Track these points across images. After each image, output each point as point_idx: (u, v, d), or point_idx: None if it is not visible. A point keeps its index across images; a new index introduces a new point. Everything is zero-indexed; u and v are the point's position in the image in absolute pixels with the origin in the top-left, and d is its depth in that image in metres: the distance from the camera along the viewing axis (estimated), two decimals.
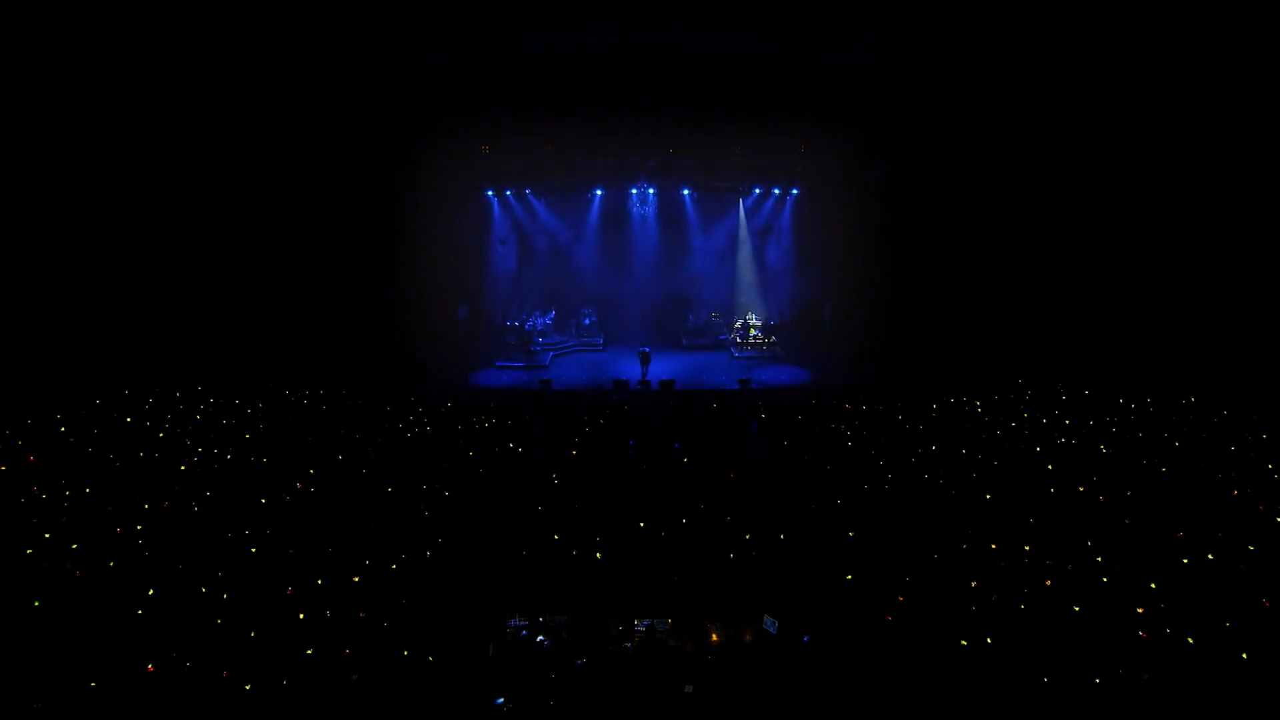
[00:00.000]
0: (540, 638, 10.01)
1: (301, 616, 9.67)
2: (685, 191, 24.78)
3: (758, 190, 24.74)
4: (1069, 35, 17.03)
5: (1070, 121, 18.74)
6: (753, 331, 24.13)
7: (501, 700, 8.93)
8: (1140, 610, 9.52)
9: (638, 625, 10.18)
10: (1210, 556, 10.47)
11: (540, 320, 24.51)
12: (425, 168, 22.04)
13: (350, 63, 18.72)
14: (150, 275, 19.60)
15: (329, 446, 14.97)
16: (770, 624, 9.99)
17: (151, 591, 10.01)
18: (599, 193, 24.62)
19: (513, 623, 10.15)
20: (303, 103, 19.02)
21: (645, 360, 21.43)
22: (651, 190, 24.77)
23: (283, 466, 13.96)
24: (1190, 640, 8.90)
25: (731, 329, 24.82)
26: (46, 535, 11.36)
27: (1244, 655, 8.63)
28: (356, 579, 10.52)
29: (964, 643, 9.12)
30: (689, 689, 9.13)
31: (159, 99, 18.27)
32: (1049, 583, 10.18)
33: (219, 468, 13.88)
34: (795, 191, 24.65)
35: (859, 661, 9.26)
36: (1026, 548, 10.92)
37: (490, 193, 24.51)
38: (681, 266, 25.85)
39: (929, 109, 19.65)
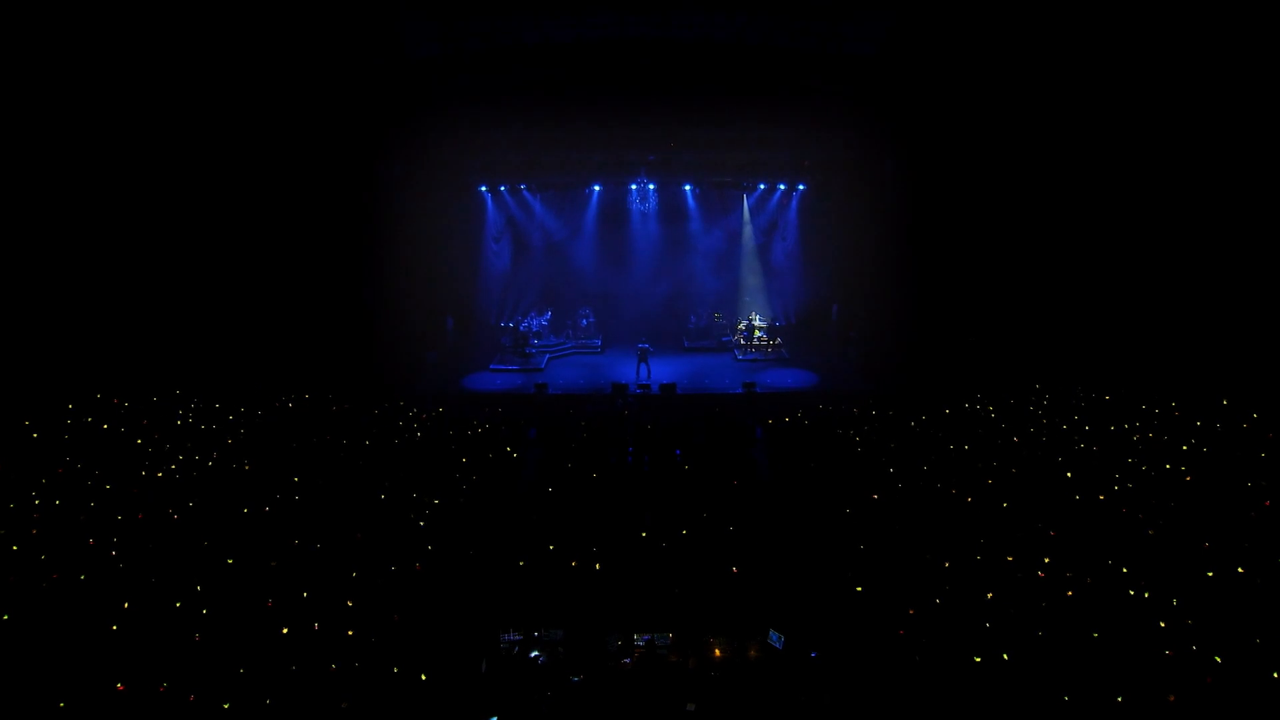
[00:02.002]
0: (535, 653, 9.95)
1: (285, 631, 9.61)
2: (687, 187, 24.76)
3: (762, 186, 24.72)
4: (1095, 17, 16.94)
5: (1094, 113, 18.68)
6: (757, 333, 24.09)
7: (495, 719, 8.87)
8: (1164, 625, 9.45)
9: (638, 640, 10.13)
10: (1239, 569, 10.40)
11: (536, 321, 24.47)
12: (416, 163, 22.00)
13: (337, 54, 18.65)
14: (128, 275, 19.53)
15: (314, 453, 14.91)
16: (776, 639, 9.95)
17: (126, 605, 9.95)
18: (597, 188, 24.58)
19: (507, 638, 10.09)
20: (289, 96, 18.95)
21: (643, 357, 21.40)
22: (652, 186, 24.75)
23: (265, 474, 13.90)
24: (1218, 659, 8.82)
25: (735, 330, 24.78)
26: (15, 547, 11.29)
27: (1275, 675, 8.55)
28: (344, 594, 10.45)
29: (978, 659, 9.06)
30: (691, 707, 9.07)
31: (141, 93, 18.22)
32: (1070, 593, 10.13)
33: (198, 475, 13.81)
34: (802, 187, 24.63)
35: (869, 678, 9.20)
36: (1045, 559, 10.86)
37: (484, 188, 24.48)
38: (683, 265, 25.84)
39: (942, 100, 19.58)
